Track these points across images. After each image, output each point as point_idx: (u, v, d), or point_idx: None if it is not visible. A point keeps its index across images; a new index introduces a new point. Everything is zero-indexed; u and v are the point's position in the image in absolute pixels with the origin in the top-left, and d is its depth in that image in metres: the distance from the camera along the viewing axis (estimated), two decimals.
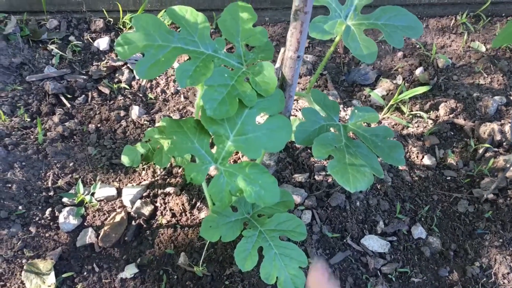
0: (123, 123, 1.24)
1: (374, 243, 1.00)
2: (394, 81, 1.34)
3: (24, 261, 1.00)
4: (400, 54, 1.41)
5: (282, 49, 0.79)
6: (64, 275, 0.98)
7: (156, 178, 1.12)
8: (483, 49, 1.42)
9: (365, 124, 0.96)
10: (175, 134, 0.74)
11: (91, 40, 1.39)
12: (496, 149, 1.16)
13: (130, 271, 1.00)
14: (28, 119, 1.21)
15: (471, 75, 1.35)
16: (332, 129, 0.80)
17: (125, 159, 0.94)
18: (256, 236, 0.83)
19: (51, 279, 0.98)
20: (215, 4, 1.44)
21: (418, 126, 1.23)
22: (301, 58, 0.74)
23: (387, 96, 1.29)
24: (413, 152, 1.16)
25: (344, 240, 1.01)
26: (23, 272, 0.98)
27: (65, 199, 1.08)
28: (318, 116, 0.80)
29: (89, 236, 1.03)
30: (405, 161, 0.78)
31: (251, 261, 0.80)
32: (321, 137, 0.75)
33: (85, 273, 0.99)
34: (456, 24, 1.49)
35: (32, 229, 1.03)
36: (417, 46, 1.42)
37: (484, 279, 0.97)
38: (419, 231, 1.04)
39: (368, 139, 0.79)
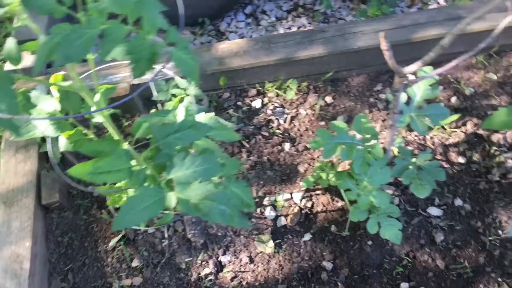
0: (282, 154, 2.17)
1: (434, 211, 1.91)
2: None
3: (254, 237, 1.98)
4: (441, 87, 2.25)
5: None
6: (276, 241, 1.96)
7: (308, 187, 2.07)
8: (494, 77, 2.23)
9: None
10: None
11: (250, 102, 2.33)
12: (501, 149, 2.02)
13: (307, 236, 1.96)
14: (228, 157, 2.17)
15: (487, 99, 2.18)
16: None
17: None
18: None
19: (271, 244, 1.96)
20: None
21: (455, 138, 2.09)
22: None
23: None
24: (452, 156, 2.04)
25: (417, 211, 1.93)
26: (255, 242, 1.97)
27: (265, 203, 2.05)
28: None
29: (283, 221, 2.00)
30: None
31: None
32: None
33: (285, 239, 1.97)
34: (477, 62, 2.30)
35: (254, 220, 2.01)
36: (452, 81, 2.26)
37: (494, 224, 1.86)
38: (458, 201, 1.93)
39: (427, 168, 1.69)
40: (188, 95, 2.05)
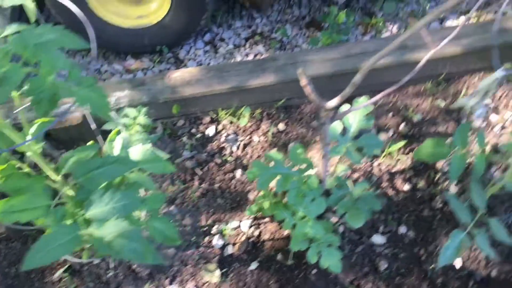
0: (233, 181, 2.19)
1: (378, 239, 1.93)
2: (387, 134, 2.22)
3: (201, 266, 1.99)
4: (390, 114, 2.28)
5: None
6: (223, 270, 1.96)
7: (256, 215, 2.08)
8: (443, 104, 2.27)
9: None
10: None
11: (204, 130, 2.35)
12: (445, 176, 2.04)
13: (254, 265, 1.97)
14: (182, 186, 2.18)
15: (434, 125, 2.22)
16: None
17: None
18: None
19: (218, 273, 1.96)
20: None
21: (401, 165, 2.12)
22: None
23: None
24: (397, 183, 2.06)
25: (361, 240, 1.94)
26: (202, 271, 1.97)
27: (213, 231, 2.05)
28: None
29: (230, 249, 2.01)
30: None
31: None
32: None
33: (232, 268, 1.97)
34: (425, 89, 2.34)
35: (201, 249, 2.01)
36: (401, 107, 2.29)
37: (436, 252, 1.88)
38: (403, 229, 1.95)
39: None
40: (137, 124, 2.07)
